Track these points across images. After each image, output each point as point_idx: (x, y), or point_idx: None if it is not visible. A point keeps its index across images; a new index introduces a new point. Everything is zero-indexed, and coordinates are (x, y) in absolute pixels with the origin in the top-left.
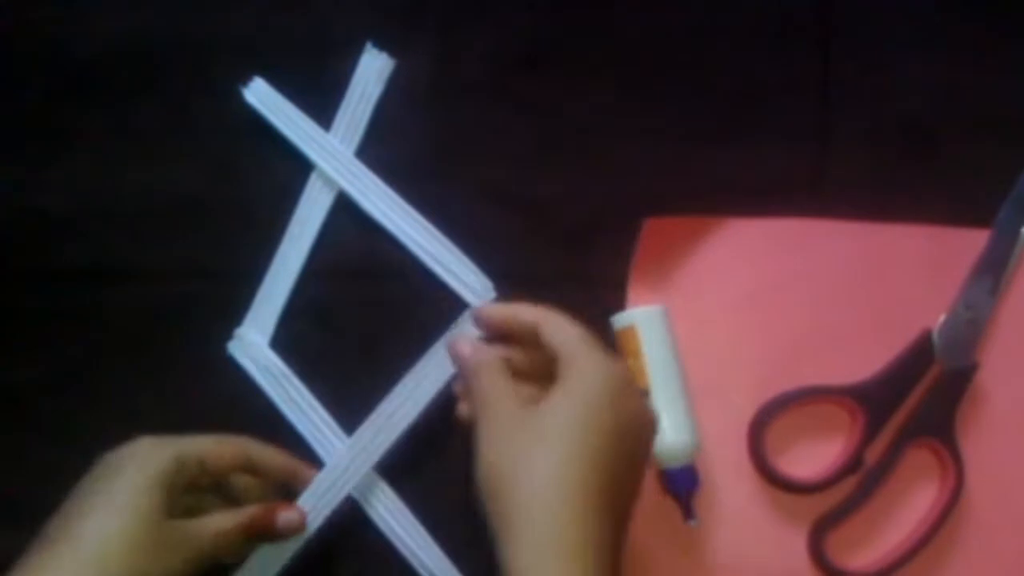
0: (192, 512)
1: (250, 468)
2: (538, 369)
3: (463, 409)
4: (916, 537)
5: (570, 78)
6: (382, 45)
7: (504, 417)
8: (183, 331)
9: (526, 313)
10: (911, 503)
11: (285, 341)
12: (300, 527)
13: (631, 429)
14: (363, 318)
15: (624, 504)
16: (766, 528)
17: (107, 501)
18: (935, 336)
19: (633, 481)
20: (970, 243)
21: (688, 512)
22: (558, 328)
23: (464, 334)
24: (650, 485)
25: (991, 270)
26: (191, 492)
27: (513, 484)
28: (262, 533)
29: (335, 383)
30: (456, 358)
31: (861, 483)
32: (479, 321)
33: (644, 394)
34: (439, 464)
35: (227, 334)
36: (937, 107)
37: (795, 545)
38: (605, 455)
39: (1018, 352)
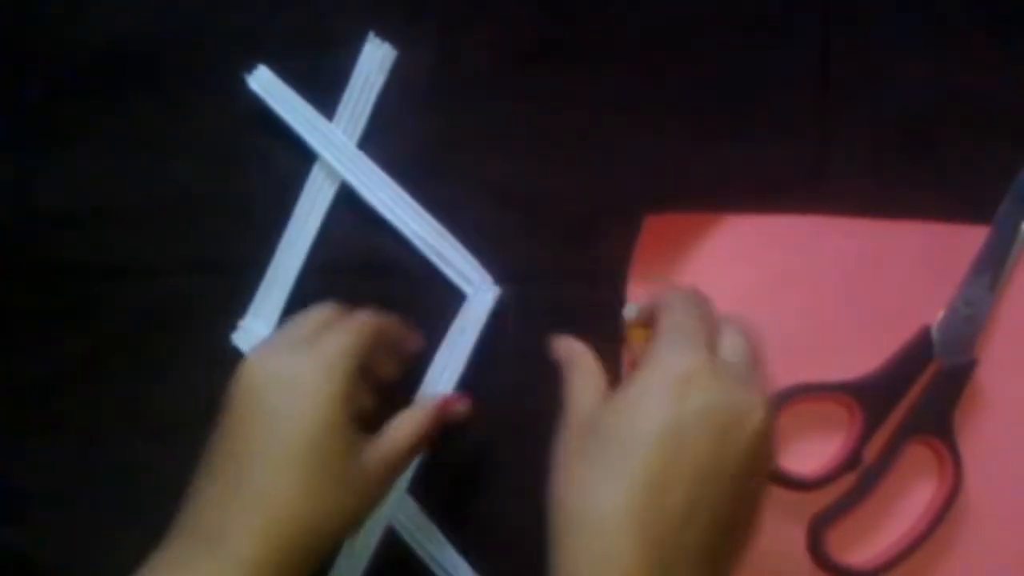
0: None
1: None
2: None
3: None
4: (914, 534)
5: (571, 74)
6: (383, 38)
7: (580, 418)
8: (186, 326)
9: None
10: (909, 500)
11: None
12: (470, 410)
13: (721, 436)
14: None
15: (709, 538)
16: (764, 524)
17: (286, 460)
18: (934, 333)
19: (731, 516)
20: (969, 240)
21: None
22: (668, 311)
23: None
24: None
25: (990, 267)
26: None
27: (568, 498)
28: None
29: None
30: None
31: (859, 480)
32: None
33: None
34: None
35: (230, 328)
36: (937, 104)
37: (794, 541)
38: (682, 466)
39: (1017, 349)
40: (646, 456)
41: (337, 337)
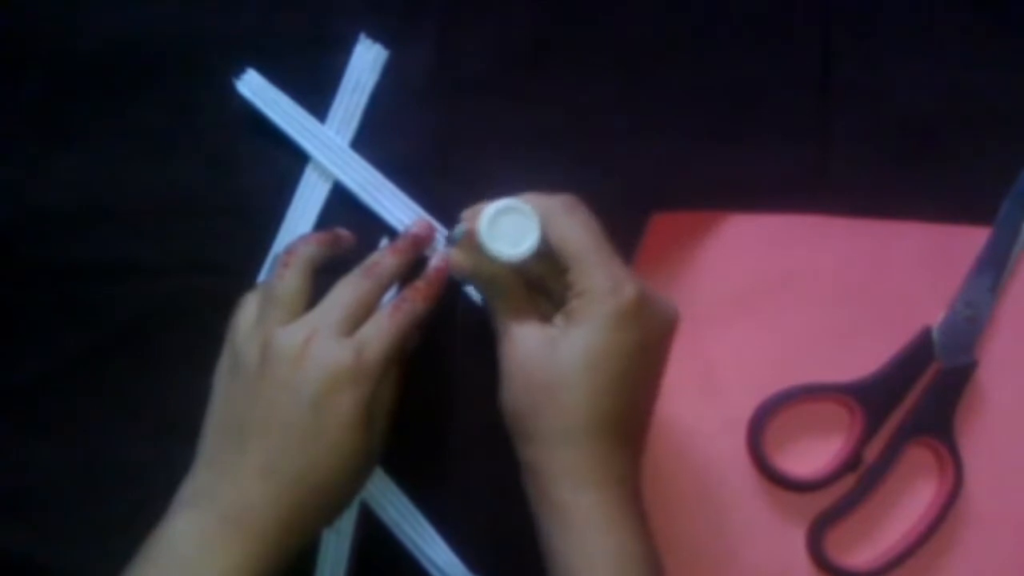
0: None
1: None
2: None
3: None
4: (915, 535)
5: (572, 73)
6: (380, 39)
7: (526, 351)
8: (186, 326)
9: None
10: (910, 501)
11: None
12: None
13: (650, 349)
14: None
15: (643, 425)
16: (765, 525)
17: (327, 449)
18: (935, 334)
19: (651, 397)
20: (970, 241)
21: None
22: (566, 233)
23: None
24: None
25: (991, 268)
26: None
27: (537, 423)
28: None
29: None
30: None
31: (860, 481)
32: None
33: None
34: (450, 466)
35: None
36: (937, 104)
37: (794, 543)
38: (627, 387)
39: (1018, 350)
40: (623, 381)
41: (376, 337)
